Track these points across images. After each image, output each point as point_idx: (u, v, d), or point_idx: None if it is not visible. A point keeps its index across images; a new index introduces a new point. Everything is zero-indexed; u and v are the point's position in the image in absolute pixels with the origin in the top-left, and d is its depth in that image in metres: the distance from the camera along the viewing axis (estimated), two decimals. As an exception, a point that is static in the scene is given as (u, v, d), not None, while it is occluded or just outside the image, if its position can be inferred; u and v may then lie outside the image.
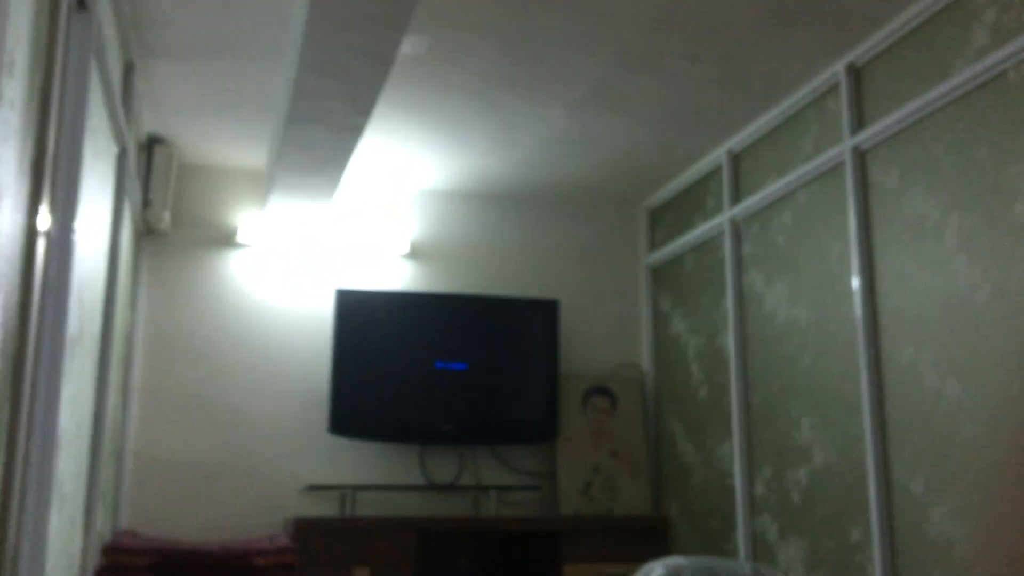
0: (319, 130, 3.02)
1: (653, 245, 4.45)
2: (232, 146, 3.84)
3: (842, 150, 3.01)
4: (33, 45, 1.74)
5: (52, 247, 1.99)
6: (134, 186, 3.38)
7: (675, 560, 3.31)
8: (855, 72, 3.02)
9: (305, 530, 3.50)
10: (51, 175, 1.91)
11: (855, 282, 2.91)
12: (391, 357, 3.96)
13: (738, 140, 3.66)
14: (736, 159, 3.72)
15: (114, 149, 2.90)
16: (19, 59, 1.63)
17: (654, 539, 3.87)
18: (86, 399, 2.71)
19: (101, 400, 2.88)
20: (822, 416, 3.08)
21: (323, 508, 3.84)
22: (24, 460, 1.83)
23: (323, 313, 3.98)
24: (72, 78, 2.08)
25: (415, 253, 4.24)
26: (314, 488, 3.82)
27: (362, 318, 3.95)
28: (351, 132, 3.04)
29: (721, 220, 3.74)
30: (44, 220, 1.87)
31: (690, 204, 4.09)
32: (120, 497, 3.61)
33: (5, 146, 1.55)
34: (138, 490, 3.70)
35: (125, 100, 2.93)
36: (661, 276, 4.36)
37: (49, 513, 2.08)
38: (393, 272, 4.19)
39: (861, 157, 2.95)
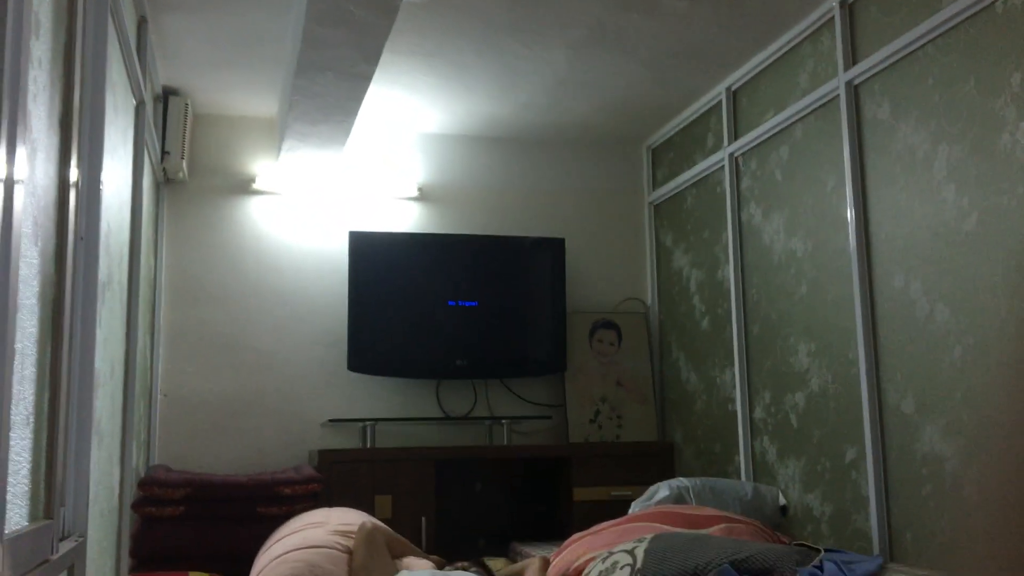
0: (328, 78, 3.11)
1: (655, 183, 4.55)
2: (245, 96, 3.94)
3: (836, 85, 3.09)
4: (55, 6, 1.85)
5: (81, 198, 2.12)
6: (152, 137, 3.49)
7: (679, 481, 3.49)
8: (849, 7, 3.08)
9: (328, 461, 3.68)
10: (78, 129, 2.03)
11: (849, 213, 3.02)
12: (405, 296, 4.11)
13: (736, 77, 3.73)
14: (735, 96, 3.80)
15: (132, 102, 3.01)
16: (43, 20, 1.74)
17: (659, 463, 4.05)
18: (117, 342, 2.87)
19: (131, 342, 3.04)
20: (818, 343, 3.21)
21: (344, 441, 4.03)
22: (67, 399, 1.99)
23: (338, 255, 4.12)
24: (91, 36, 2.19)
25: (423, 196, 4.36)
26: (335, 422, 4.00)
27: (375, 259, 4.08)
28: (359, 80, 3.13)
29: (721, 155, 3.83)
30: (73, 172, 1.99)
31: (690, 141, 4.18)
32: (151, 435, 3.80)
33: (36, 103, 1.67)
34: (168, 428, 3.89)
35: (140, 54, 3.03)
36: (663, 213, 4.47)
37: (90, 448, 2.24)
38: (403, 215, 4.32)
39: (854, 91, 3.03)
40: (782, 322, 3.43)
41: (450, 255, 4.22)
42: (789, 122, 3.39)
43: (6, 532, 1.43)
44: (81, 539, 2.12)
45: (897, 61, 2.84)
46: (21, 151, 1.45)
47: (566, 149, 4.55)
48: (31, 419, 1.66)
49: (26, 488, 1.64)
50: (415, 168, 4.37)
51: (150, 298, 3.73)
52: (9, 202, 1.37)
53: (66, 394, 1.93)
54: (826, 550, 2.62)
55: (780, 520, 3.33)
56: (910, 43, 2.76)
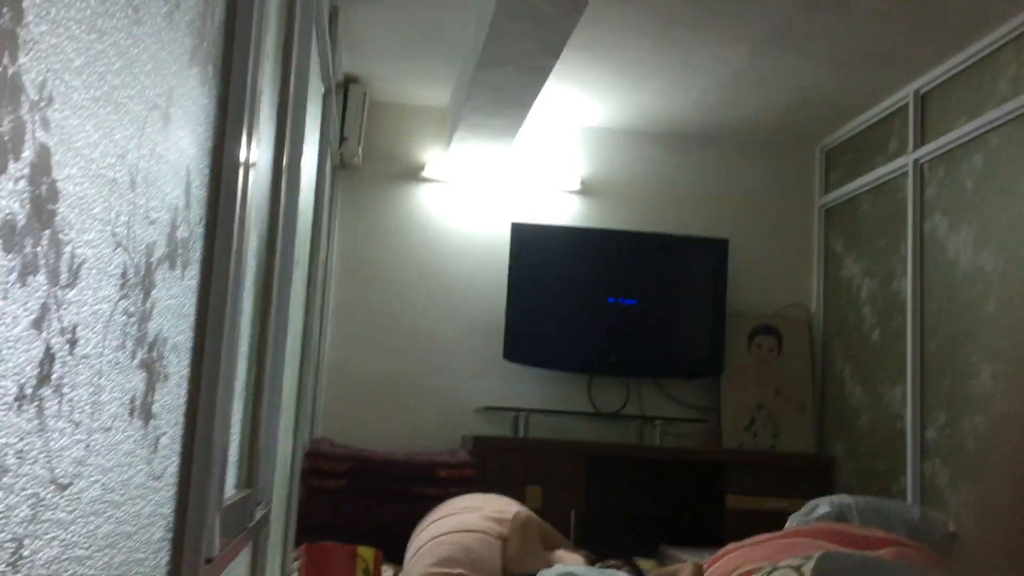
0: (508, 71, 3.15)
1: (827, 186, 4.39)
2: (420, 86, 4.03)
3: (1044, 92, 2.90)
4: (279, 2, 1.93)
5: (286, 183, 2.21)
6: (334, 123, 3.62)
7: (841, 498, 3.37)
8: (1064, 9, 2.88)
9: (483, 447, 3.74)
10: (290, 116, 2.12)
11: (1050, 230, 2.83)
12: (563, 289, 4.12)
13: (926, 80, 3.55)
14: (923, 99, 3.62)
15: (321, 90, 3.13)
16: (272, 15, 1.82)
17: (818, 477, 3.92)
18: (297, 319, 3.00)
19: (309, 321, 3.17)
20: (1005, 364, 3.03)
21: (496, 429, 4.09)
22: (268, 375, 2.09)
23: (500, 245, 4.17)
24: (302, 27, 2.28)
25: (586, 190, 4.35)
26: (489, 409, 4.06)
27: (536, 251, 4.11)
28: (538, 73, 3.15)
29: (905, 161, 3.66)
30: (284, 159, 2.09)
31: (869, 145, 4.01)
32: (316, 409, 3.95)
33: (264, 93, 1.75)
34: (332, 403, 4.04)
35: (331, 44, 3.15)
36: (835, 217, 4.31)
37: (279, 419, 2.35)
38: (565, 208, 4.33)
39: (1065, 100, 2.84)
40: (964, 340, 3.25)
41: (611, 250, 4.20)
42: (984, 130, 3.20)
43: (224, 500, 1.52)
44: (267, 508, 2.23)
45: (1119, 69, 2.64)
46: (254, 141, 1.52)
47: (735, 147, 4.45)
48: (243, 394, 1.75)
49: (236, 459, 1.73)
50: (579, 162, 4.37)
51: (323, 277, 3.87)
52: (244, 191, 1.45)
53: (268, 371, 2.03)
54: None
55: (950, 549, 3.17)
56: None
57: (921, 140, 3.60)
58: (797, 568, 2.47)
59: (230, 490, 1.68)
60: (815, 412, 4.23)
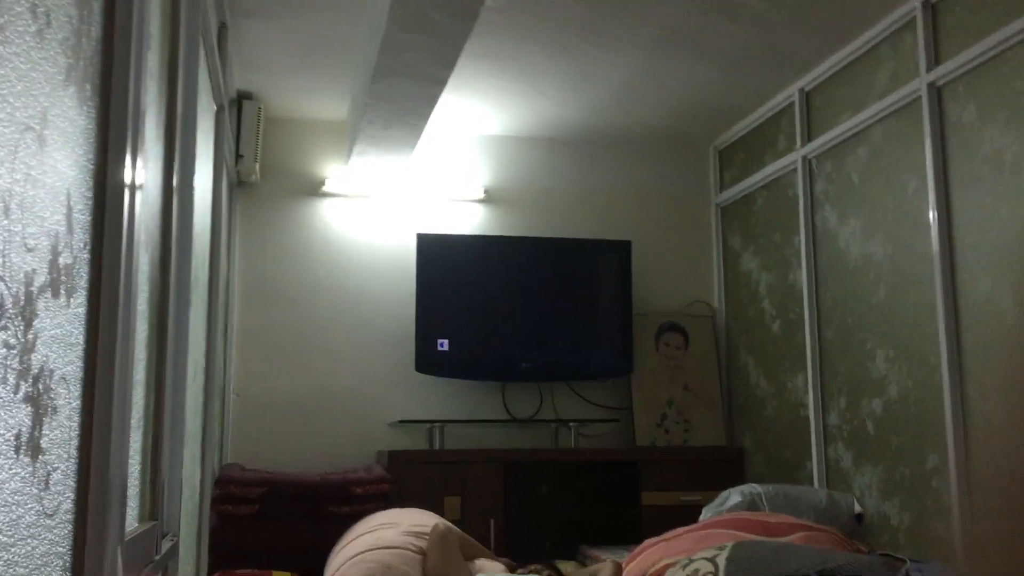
0: (403, 83, 3.14)
1: (722, 184, 4.51)
2: (316, 100, 3.98)
3: (919, 86, 3.04)
4: (162, 17, 1.88)
5: (178, 202, 2.15)
6: (228, 140, 3.55)
7: (751, 487, 3.46)
8: (931, 7, 3.03)
9: (398, 462, 3.71)
10: (179, 135, 2.06)
11: (932, 216, 2.96)
12: (471, 298, 4.12)
13: (810, 78, 3.69)
14: (808, 97, 3.75)
15: (213, 107, 3.06)
16: (154, 32, 1.77)
17: (729, 469, 4.01)
18: (199, 343, 2.92)
19: (212, 344, 3.09)
20: (897, 348, 3.16)
21: (412, 442, 4.06)
22: (168, 402, 2.02)
23: (406, 257, 4.15)
24: (187, 44, 2.22)
25: (490, 198, 4.37)
26: (404, 423, 4.03)
27: (442, 261, 4.10)
28: (434, 83, 3.15)
29: (794, 157, 3.79)
30: (174, 179, 2.03)
31: (760, 143, 4.14)
32: (224, 434, 3.85)
33: (149, 112, 1.70)
34: (241, 427, 3.94)
35: (220, 60, 3.08)
36: (731, 215, 4.43)
37: (184, 448, 2.29)
38: (470, 217, 4.33)
39: (937, 92, 2.98)
40: (858, 327, 3.38)
41: (516, 257, 4.22)
42: (867, 124, 3.34)
43: (126, 534, 1.47)
44: (175, 538, 2.17)
45: (984, 62, 2.78)
46: (140, 161, 1.48)
47: (633, 151, 4.53)
48: (141, 423, 1.69)
49: (137, 490, 1.67)
50: (481, 170, 4.39)
51: (224, 299, 3.78)
52: (131, 212, 1.40)
53: (167, 397, 1.97)
54: (911, 560, 2.58)
55: (855, 528, 3.28)
56: (998, 43, 2.71)
57: (808, 136, 3.73)
58: (711, 559, 2.53)
59: (132, 523, 1.62)
60: (723, 405, 4.33)
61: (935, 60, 3.00)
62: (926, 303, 3.00)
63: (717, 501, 3.43)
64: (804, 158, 3.73)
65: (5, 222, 0.90)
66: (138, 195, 1.47)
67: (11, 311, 0.92)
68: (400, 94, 3.22)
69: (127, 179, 1.36)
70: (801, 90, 3.75)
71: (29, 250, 0.98)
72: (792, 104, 3.83)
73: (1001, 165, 2.71)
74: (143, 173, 1.52)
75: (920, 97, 3.04)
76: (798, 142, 3.77)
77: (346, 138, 4.11)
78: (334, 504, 3.50)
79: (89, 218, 1.25)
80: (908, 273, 3.11)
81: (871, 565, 2.37)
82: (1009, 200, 2.67)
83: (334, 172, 4.19)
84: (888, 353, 3.20)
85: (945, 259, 2.90)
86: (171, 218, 1.95)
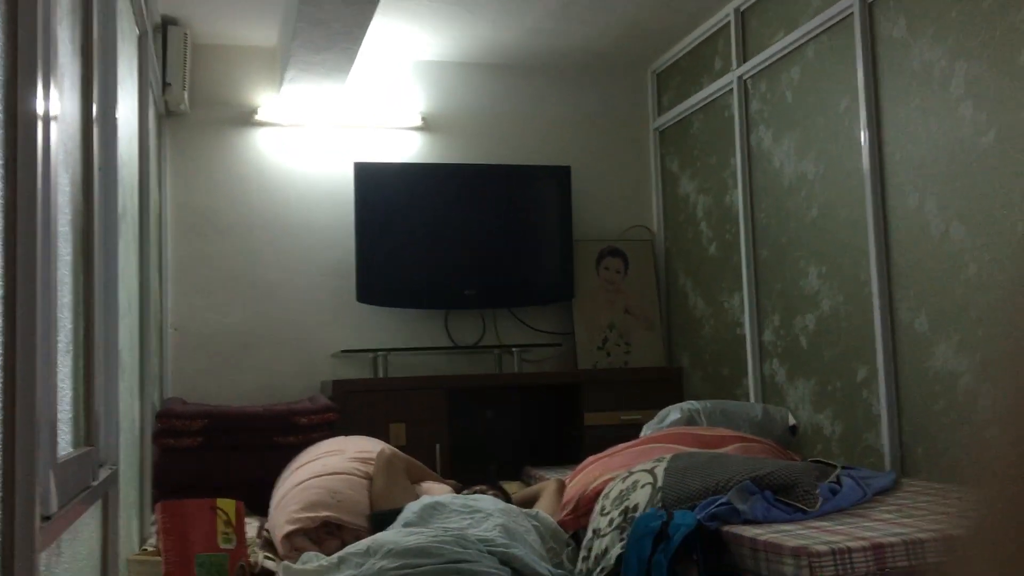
0: (334, 4, 3.06)
1: (660, 108, 4.51)
2: (244, 25, 3.87)
3: (851, 2, 3.05)
4: (71, -71, 1.80)
5: (99, 129, 2.09)
6: (154, 68, 3.43)
7: (690, 404, 3.54)
8: (863, -78, 3.03)
9: (342, 391, 3.72)
10: (97, 60, 1.99)
11: (862, 134, 3.01)
12: (411, 227, 4.10)
13: (745, -3, 3.68)
14: (743, 16, 3.75)
15: (135, 32, 2.95)
16: (63, -56, 1.70)
17: (668, 388, 4.10)
18: (132, 275, 2.86)
19: (144, 275, 3.04)
20: (829, 265, 3.23)
21: (356, 371, 4.06)
22: (97, 331, 1.99)
23: (344, 187, 4.09)
24: (102, -39, 2.13)
25: (427, 125, 4.32)
26: (347, 352, 4.03)
27: (381, 190, 4.06)
28: (366, 4, 3.07)
29: (730, 78, 3.80)
30: (94, 103, 1.97)
31: (697, 65, 4.14)
32: (164, 368, 3.81)
33: (61, 27, 1.64)
34: (180, 362, 3.90)
35: (141, -19, 2.96)
36: (669, 138, 4.44)
37: (118, 380, 2.26)
38: (407, 145, 4.28)
39: (869, 8, 3.00)
40: (792, 245, 3.44)
41: (456, 185, 4.20)
42: (800, 42, 3.36)
43: (58, 456, 1.45)
44: (114, 468, 2.15)
45: (913, -23, 2.80)
46: (52, 78, 1.43)
47: (571, 75, 4.50)
48: (70, 347, 1.66)
49: (69, 415, 1.65)
50: (417, 97, 4.32)
51: (157, 232, 3.71)
52: (46, 126, 1.36)
53: (98, 323, 1.94)
54: (842, 467, 2.68)
55: (790, 440, 3.39)
56: (927, -42, 2.72)
57: (744, 57, 3.74)
58: (650, 470, 2.59)
59: (65, 447, 1.60)
60: (663, 327, 4.40)
61: (866, -24, 3.01)
62: (857, 220, 3.06)
63: (657, 419, 3.50)
64: (740, 79, 3.74)
65: (-98, 124, 0.86)
66: (52, 114, 1.42)
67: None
68: (331, 16, 3.14)
69: (39, 96, 1.31)
70: (736, 9, 3.75)
71: (-68, 156, 0.94)
72: (728, 24, 3.83)
73: (930, 79, 2.75)
74: (56, 93, 1.47)
75: (852, 13, 3.05)
76: (734, 63, 3.78)
77: (278, 64, 4.01)
78: (279, 435, 3.50)
79: (1, 130, 1.20)
80: (840, 191, 3.17)
81: (803, 470, 2.46)
82: (938, 114, 2.71)
83: (266, 100, 4.09)
84: (821, 270, 3.28)
85: (875, 175, 2.96)
86: (91, 142, 1.89)
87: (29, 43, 1.30)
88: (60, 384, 1.53)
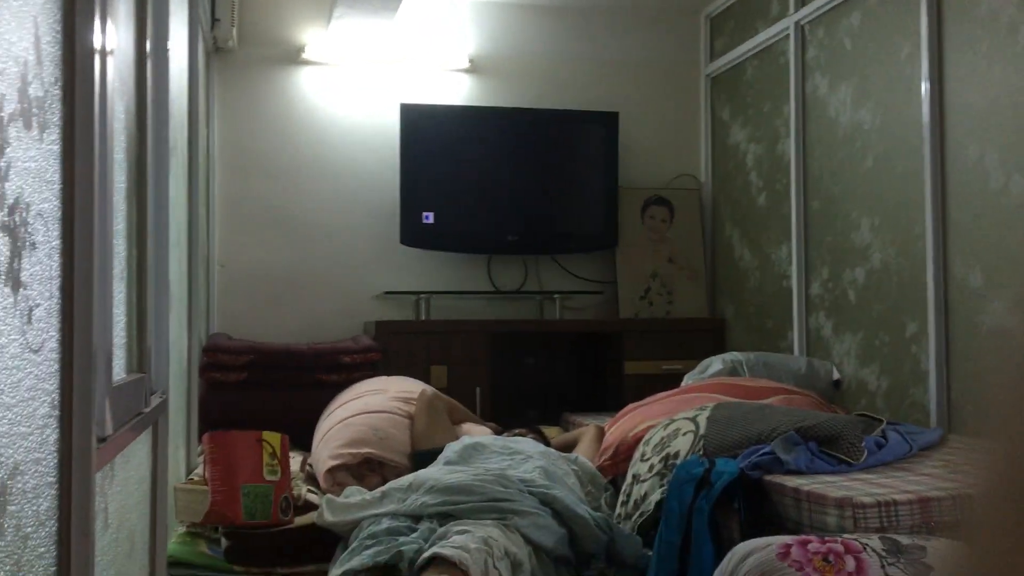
0: (385, -61, 3.01)
1: (713, 54, 4.42)
2: (292, -40, 3.83)
3: (917, -55, 2.94)
4: None
5: (153, 63, 2.09)
6: (203, 3, 3.42)
7: (732, 355, 3.52)
8: None
9: (385, 332, 3.74)
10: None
11: (923, 83, 2.92)
12: (456, 170, 4.08)
13: (806, -61, 3.57)
14: (803, -40, 3.64)
15: (186, -36, 2.93)
16: None
17: (711, 339, 4.07)
18: (181, 209, 2.88)
19: (193, 212, 3.06)
20: (882, 217, 3.16)
21: (398, 314, 4.08)
22: (149, 260, 2.01)
23: (390, 128, 4.07)
24: None
25: (475, 68, 4.27)
26: (389, 294, 4.04)
27: (427, 133, 4.04)
28: (417, -60, 3.02)
29: (786, 24, 3.70)
30: (148, 32, 1.96)
31: (752, 10, 4.03)
32: (210, 304, 3.86)
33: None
34: (225, 298, 3.95)
35: (192, -87, 2.94)
36: (720, 85, 4.35)
37: (168, 307, 2.29)
38: (455, 87, 4.24)
39: (936, -48, 2.89)
40: (844, 197, 3.37)
41: (502, 129, 4.16)
42: (862, -13, 3.25)
43: (113, 381, 1.48)
44: (164, 396, 2.19)
45: (986, -81, 2.69)
46: (108, 11, 1.42)
47: (622, 19, 4.41)
48: (124, 274, 1.68)
49: (123, 340, 1.67)
50: (466, 38, 4.27)
51: (206, 168, 3.73)
52: (103, 57, 1.36)
53: (150, 252, 1.96)
54: (887, 422, 2.65)
55: (834, 394, 3.36)
56: (1002, -101, 2.61)
57: (801, 2, 3.63)
58: (692, 418, 2.58)
59: (120, 373, 1.63)
60: (707, 277, 4.36)
61: (935, -82, 2.89)
62: (913, 171, 2.98)
63: (698, 369, 3.49)
64: (797, 24, 3.64)
65: (-32, 38, 0.86)
66: (110, 38, 1.41)
67: (-19, 133, 0.89)
68: (381, -48, 3.10)
69: (97, 15, 1.31)
70: (796, -47, 3.64)
71: (-4, 72, 0.94)
72: (786, -32, 3.71)
73: (996, 28, 2.65)
74: (113, 32, 1.46)
75: (918, -43, 2.94)
76: (791, 8, 3.67)
77: (326, 1, 3.97)
78: (322, 372, 3.54)
79: (59, 52, 1.20)
80: (897, 141, 3.09)
81: (848, 423, 2.43)
82: (1003, 63, 2.62)
83: (314, 38, 4.06)
84: (873, 222, 3.21)
85: (935, 126, 2.88)
86: (145, 79, 1.89)
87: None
88: (115, 310, 1.55)
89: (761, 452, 2.25)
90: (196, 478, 2.72)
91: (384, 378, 3.50)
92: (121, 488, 1.65)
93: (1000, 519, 0.38)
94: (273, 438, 2.58)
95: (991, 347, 2.66)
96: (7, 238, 0.98)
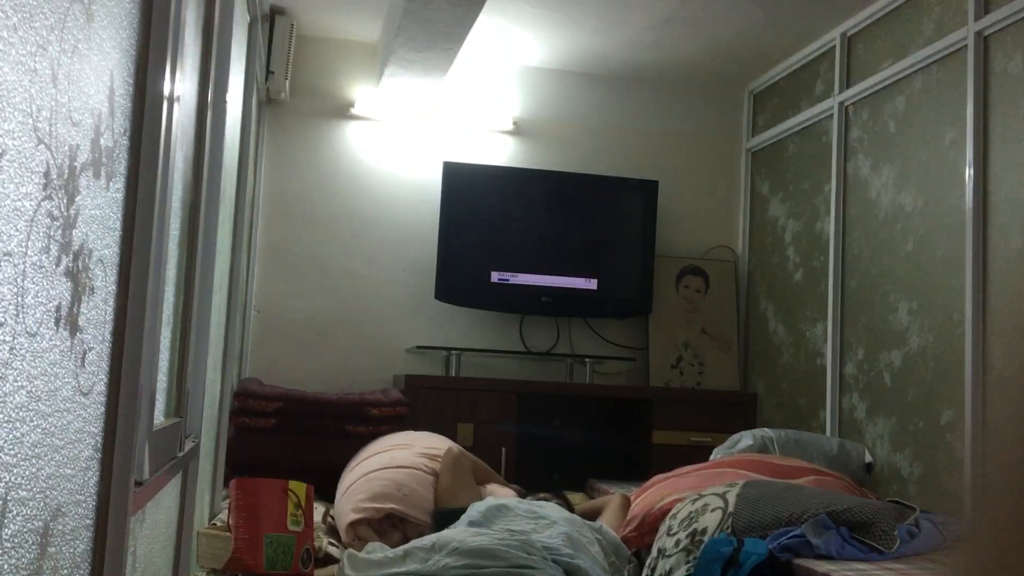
0: (439, 4, 3.09)
1: (755, 129, 4.45)
2: (348, 19, 3.94)
3: (965, 34, 2.97)
4: (203, -84, 1.85)
5: (213, 112, 2.15)
6: (260, 56, 3.52)
7: (763, 431, 3.47)
8: (985, -47, 2.94)
9: (414, 386, 3.74)
10: (216, 44, 2.05)
11: (968, 169, 2.92)
12: (495, 229, 4.11)
13: (853, 23, 3.61)
14: (850, 41, 3.68)
15: (247, 19, 3.03)
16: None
17: (741, 413, 4.03)
18: (224, 255, 2.93)
19: (236, 257, 3.11)
20: (921, 301, 3.14)
21: (427, 368, 4.09)
22: (194, 307, 2.04)
23: (431, 185, 4.13)
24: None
25: (519, 130, 4.33)
26: (421, 348, 4.06)
27: (467, 191, 4.09)
28: (471, 6, 3.10)
29: (830, 104, 3.73)
30: (211, 82, 2.02)
31: (797, 88, 4.07)
32: (244, 349, 3.89)
33: (188, 10, 1.69)
34: (259, 343, 3.98)
35: (256, -30, 3.04)
36: (761, 160, 4.38)
37: (208, 351, 2.31)
38: (498, 148, 4.30)
39: (984, 42, 2.91)
40: (883, 278, 3.36)
41: (542, 191, 4.20)
42: (908, 72, 3.27)
43: (154, 425, 1.49)
44: (197, 441, 2.20)
45: (1036, 12, 2.71)
46: (178, 60, 1.47)
47: (666, 90, 4.47)
48: (171, 320, 1.71)
49: (165, 385, 1.70)
50: (512, 101, 4.34)
51: (249, 215, 3.79)
52: (170, 106, 1.40)
53: (196, 299, 1.99)
54: (920, 510, 2.60)
55: (865, 478, 3.30)
56: (1052, -6, 2.63)
57: (847, 83, 3.66)
58: (722, 495, 2.55)
59: (159, 417, 1.65)
60: (739, 350, 4.33)
61: (984, 8, 2.92)
62: (954, 257, 2.97)
63: (728, 443, 3.45)
64: (841, 104, 3.67)
65: (53, 91, 0.90)
66: (176, 89, 1.46)
67: (56, 182, 0.92)
68: (436, 15, 3.17)
69: (167, 70, 1.35)
70: (843, 34, 3.68)
71: (74, 124, 0.98)
72: (833, 48, 3.75)
73: (1044, 119, 2.65)
74: (180, 69, 1.51)
75: (966, 46, 2.97)
76: (836, 88, 3.71)
77: (378, 60, 4.07)
78: (350, 423, 3.55)
79: (130, 104, 1.24)
80: (939, 226, 3.08)
81: (881, 509, 2.39)
82: (1049, 155, 2.62)
83: (364, 94, 4.15)
84: (911, 306, 3.19)
85: (978, 213, 2.87)
86: (204, 122, 1.94)
87: (161, 25, 1.34)
88: (160, 355, 1.57)
89: (791, 534, 2.21)
90: (219, 523, 2.71)
91: (411, 433, 3.49)
92: (150, 531, 1.66)
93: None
94: (299, 488, 2.58)
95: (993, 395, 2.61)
96: (70, 283, 1.01)
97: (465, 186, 4.09)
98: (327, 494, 3.23)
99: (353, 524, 2.92)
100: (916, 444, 3.11)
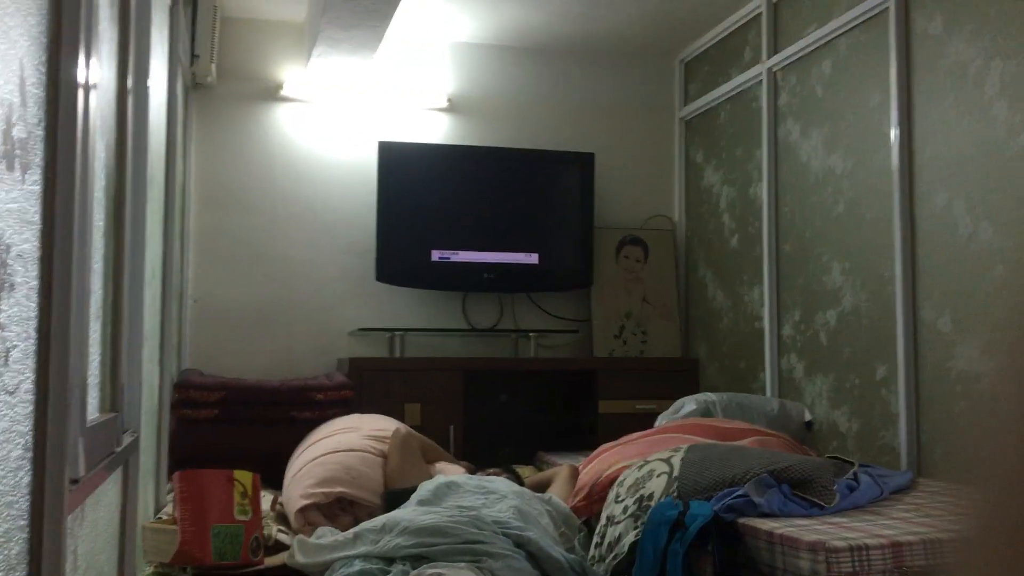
0: (366, -20, 3.05)
1: (687, 97, 4.49)
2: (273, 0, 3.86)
3: (886, -3, 3.02)
4: None
5: (134, 98, 2.09)
6: (183, 39, 3.43)
7: (706, 395, 3.53)
8: (903, -84, 2.99)
9: (359, 369, 3.72)
10: (133, 29, 1.99)
11: (893, 130, 2.98)
12: (433, 207, 4.09)
13: (779, -12, 3.65)
14: (775, 8, 3.72)
15: (167, 2, 2.95)
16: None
17: (684, 379, 4.09)
18: (156, 244, 2.87)
19: (168, 247, 3.04)
20: (853, 261, 3.21)
21: (372, 350, 4.07)
22: (124, 298, 2.00)
23: (367, 166, 4.09)
24: (140, -72, 2.13)
25: (453, 107, 4.30)
26: (364, 331, 4.03)
27: (404, 170, 4.05)
28: (398, -18, 3.06)
29: (759, 70, 3.77)
30: (129, 69, 1.97)
31: (726, 55, 4.11)
32: (182, 339, 3.83)
33: (102, 2, 1.64)
34: (198, 333, 3.92)
35: (174, -49, 2.96)
36: (694, 128, 4.42)
37: (142, 344, 2.27)
38: (432, 126, 4.27)
39: (905, 4, 2.97)
40: (816, 241, 3.42)
41: (479, 167, 4.19)
42: (833, 36, 3.32)
43: (87, 420, 1.46)
44: (135, 435, 2.17)
45: (952, -26, 2.77)
46: (92, 47, 1.43)
47: (598, 62, 4.48)
48: (100, 313, 1.67)
49: (97, 380, 1.66)
50: (445, 78, 4.31)
51: (181, 202, 3.72)
52: (86, 93, 1.36)
53: (125, 291, 1.95)
54: (859, 464, 2.67)
55: (805, 436, 3.38)
56: (968, -45, 2.69)
57: (775, 48, 3.71)
58: (667, 459, 2.59)
59: (93, 412, 1.61)
60: (680, 318, 4.39)
61: (904, -29, 2.97)
62: (883, 217, 3.04)
63: (672, 409, 3.50)
64: (770, 70, 3.71)
65: (-44, 82, 0.86)
66: (92, 78, 1.42)
67: (-35, 177, 0.89)
68: (362, -7, 3.13)
69: (81, 56, 1.31)
70: (768, 0, 3.72)
71: (-18, 115, 0.94)
72: (759, 15, 3.79)
73: (964, 78, 2.72)
74: (95, 56, 1.47)
75: (888, 8, 3.02)
76: (764, 54, 3.75)
77: (305, 40, 4.00)
78: (295, 409, 3.52)
79: (43, 94, 1.20)
80: (867, 187, 3.15)
81: (821, 466, 2.45)
82: (971, 113, 2.69)
83: (293, 75, 4.09)
84: (844, 266, 3.26)
85: (904, 173, 2.93)
86: (126, 115, 1.89)
87: (72, 10, 1.30)
88: (91, 350, 1.54)
89: (735, 494, 2.26)
90: (165, 517, 2.68)
91: (357, 416, 3.48)
92: (91, 529, 1.63)
93: (986, 568, 0.39)
94: (244, 477, 2.56)
95: (966, 392, 2.70)
96: (-13, 280, 0.98)
97: (401, 165, 4.06)
98: (275, 482, 3.21)
99: (303, 510, 2.90)
100: (853, 401, 3.19)
